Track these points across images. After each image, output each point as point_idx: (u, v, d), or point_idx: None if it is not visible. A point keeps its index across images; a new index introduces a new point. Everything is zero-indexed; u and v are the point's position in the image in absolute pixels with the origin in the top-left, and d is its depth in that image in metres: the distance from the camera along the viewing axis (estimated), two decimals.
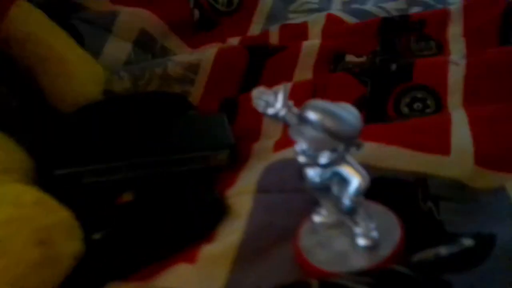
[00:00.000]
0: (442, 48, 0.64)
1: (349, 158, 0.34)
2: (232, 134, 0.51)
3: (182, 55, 0.65)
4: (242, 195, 0.46)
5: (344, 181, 0.34)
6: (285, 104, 0.34)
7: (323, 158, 0.33)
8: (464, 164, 0.44)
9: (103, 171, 0.47)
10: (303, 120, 0.33)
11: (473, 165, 0.44)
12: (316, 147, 0.33)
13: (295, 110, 0.34)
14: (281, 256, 0.40)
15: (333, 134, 0.32)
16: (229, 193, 0.47)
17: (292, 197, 0.44)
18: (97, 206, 0.45)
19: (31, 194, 0.41)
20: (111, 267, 0.41)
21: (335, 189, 0.35)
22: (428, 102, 0.54)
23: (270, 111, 0.34)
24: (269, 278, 0.38)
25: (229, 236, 0.42)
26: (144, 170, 0.48)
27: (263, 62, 0.64)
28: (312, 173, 0.35)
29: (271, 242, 0.41)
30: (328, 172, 0.34)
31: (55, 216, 0.40)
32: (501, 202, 0.40)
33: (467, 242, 0.35)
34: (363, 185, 0.34)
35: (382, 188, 0.44)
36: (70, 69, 0.56)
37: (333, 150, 0.33)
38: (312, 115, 0.32)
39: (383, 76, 0.57)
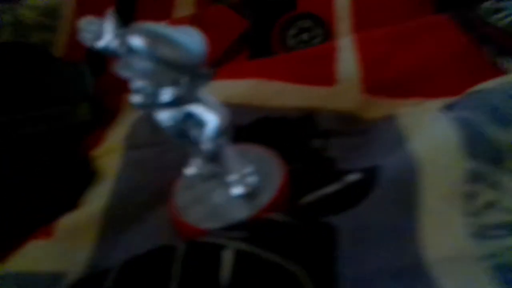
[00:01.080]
0: None
1: (202, 94, 0.28)
2: (92, 84, 0.43)
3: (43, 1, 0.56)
4: (109, 154, 0.40)
5: (201, 123, 0.29)
6: (116, 34, 0.27)
7: (166, 95, 0.27)
8: (352, 94, 0.40)
9: None
10: (130, 49, 0.26)
11: (360, 93, 0.40)
12: (152, 82, 0.27)
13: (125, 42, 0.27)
14: (155, 218, 0.35)
15: (168, 63, 0.26)
16: (95, 153, 0.40)
17: (167, 150, 0.38)
18: None
19: None
20: None
21: (194, 133, 0.29)
22: (316, 31, 0.50)
23: (100, 43, 0.27)
24: (143, 244, 0.32)
25: (94, 202, 0.36)
26: None
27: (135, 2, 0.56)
28: (164, 116, 0.29)
29: (144, 204, 0.35)
30: (180, 113, 0.28)
31: None
32: (391, 130, 0.37)
33: (352, 177, 0.31)
34: (221, 124, 0.28)
35: (266, 128, 0.39)
36: None
37: (175, 83, 0.27)
38: (138, 41, 0.26)
39: (265, 8, 0.51)
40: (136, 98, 0.28)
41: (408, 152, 0.31)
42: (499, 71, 0.40)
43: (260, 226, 0.28)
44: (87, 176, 0.38)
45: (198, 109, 0.28)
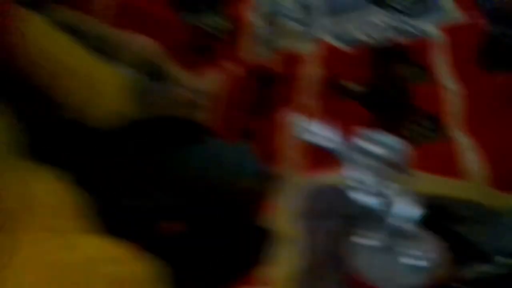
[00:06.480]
0: (431, 73, 0.69)
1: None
2: (258, 160, 0.54)
3: (190, 81, 0.67)
4: (288, 219, 0.49)
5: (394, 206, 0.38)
6: (338, 140, 0.39)
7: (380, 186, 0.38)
8: (480, 187, 0.49)
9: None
10: (359, 150, 0.37)
11: (489, 187, 0.49)
12: (374, 176, 0.37)
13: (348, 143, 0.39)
14: (333, 278, 0.44)
15: (391, 165, 0.36)
16: (270, 217, 0.50)
17: (335, 222, 0.47)
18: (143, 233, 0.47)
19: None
20: None
21: (385, 212, 0.39)
22: (429, 125, 0.60)
23: (330, 144, 0.38)
24: None
25: (289, 260, 0.45)
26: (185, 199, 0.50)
27: (269, 90, 0.67)
28: (365, 198, 0.39)
29: (326, 266, 0.45)
30: (381, 199, 0.38)
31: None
32: None
33: (504, 260, 0.39)
34: (418, 212, 0.38)
35: None
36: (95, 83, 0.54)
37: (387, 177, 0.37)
38: (374, 148, 0.37)
39: (388, 105, 0.62)
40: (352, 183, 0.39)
41: None
42: None
43: None
44: (267, 237, 0.48)
45: (398, 197, 0.38)
